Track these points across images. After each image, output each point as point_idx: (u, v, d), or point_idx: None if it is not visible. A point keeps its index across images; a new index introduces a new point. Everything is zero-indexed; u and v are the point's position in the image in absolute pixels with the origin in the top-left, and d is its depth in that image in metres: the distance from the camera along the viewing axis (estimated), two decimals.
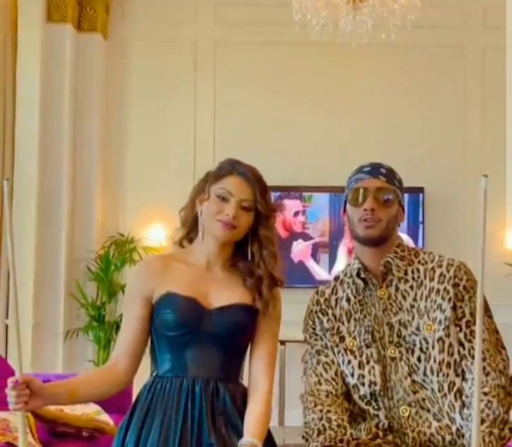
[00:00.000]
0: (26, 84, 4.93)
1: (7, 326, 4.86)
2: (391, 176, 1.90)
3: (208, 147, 5.33)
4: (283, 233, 5.25)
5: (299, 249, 5.26)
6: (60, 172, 5.07)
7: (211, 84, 5.48)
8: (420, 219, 5.31)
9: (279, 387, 4.80)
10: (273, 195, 5.15)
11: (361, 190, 1.85)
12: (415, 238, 5.29)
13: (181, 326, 1.77)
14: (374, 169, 1.89)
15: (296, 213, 5.31)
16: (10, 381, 1.62)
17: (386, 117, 5.47)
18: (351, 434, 1.75)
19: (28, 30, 4.94)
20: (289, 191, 5.29)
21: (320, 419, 1.76)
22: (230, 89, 5.45)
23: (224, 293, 1.81)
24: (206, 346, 1.78)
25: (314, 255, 5.28)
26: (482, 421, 1.69)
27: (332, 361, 1.84)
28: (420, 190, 5.29)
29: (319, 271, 5.24)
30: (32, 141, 4.93)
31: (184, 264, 1.85)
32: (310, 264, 5.27)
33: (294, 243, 5.25)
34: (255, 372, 1.82)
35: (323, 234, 5.30)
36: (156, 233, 5.17)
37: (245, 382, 1.86)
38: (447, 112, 5.49)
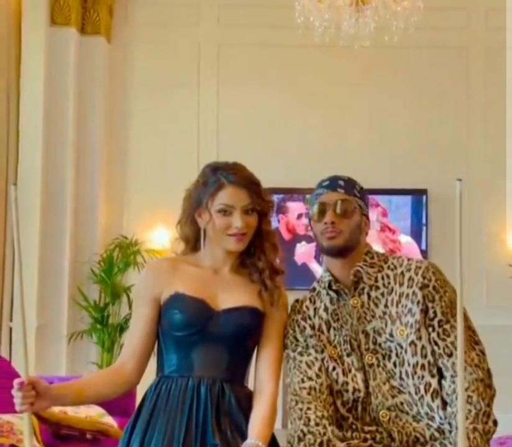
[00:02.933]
0: (30, 87, 4.95)
1: (11, 329, 4.87)
2: (349, 186, 1.90)
3: (211, 150, 5.34)
4: (287, 235, 5.25)
5: (303, 252, 5.26)
6: (64, 175, 5.08)
7: (214, 86, 5.49)
8: (424, 221, 5.30)
9: (283, 390, 4.79)
10: (276, 198, 5.20)
11: (321, 205, 1.87)
12: (418, 239, 5.29)
13: (188, 327, 1.77)
14: (332, 183, 1.90)
15: (299, 216, 5.30)
16: (16, 382, 1.63)
17: (389, 119, 5.47)
18: (332, 430, 1.76)
19: (32, 33, 4.96)
20: (292, 193, 5.29)
21: (300, 418, 1.76)
22: (233, 91, 5.46)
23: (232, 295, 1.82)
24: (213, 347, 1.78)
25: (318, 257, 5.28)
26: (465, 418, 1.68)
27: (315, 358, 1.85)
28: (424, 192, 5.29)
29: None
30: (36, 144, 4.94)
31: (193, 266, 1.86)
32: (314, 266, 5.26)
33: (298, 245, 5.25)
34: (260, 374, 1.82)
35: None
36: (160, 236, 5.18)
37: (250, 386, 1.86)
38: (450, 114, 5.49)
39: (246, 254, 1.87)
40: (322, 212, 1.86)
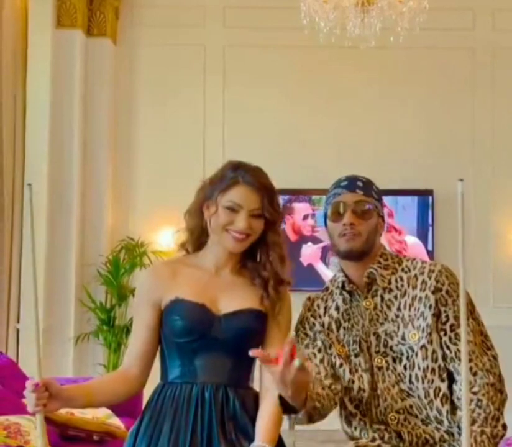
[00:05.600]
0: (36, 89, 4.97)
1: (18, 330, 4.88)
2: (368, 188, 1.88)
3: (217, 151, 5.34)
4: (292, 236, 5.25)
5: (309, 253, 5.26)
6: (71, 176, 5.09)
7: (220, 88, 5.49)
8: (430, 221, 5.30)
9: None
10: (282, 199, 5.20)
11: (340, 205, 1.84)
12: (424, 240, 5.28)
13: (189, 333, 1.76)
14: (351, 183, 1.87)
15: (305, 217, 5.31)
16: (30, 384, 1.61)
17: (395, 119, 5.47)
18: (330, 385, 1.77)
19: (39, 35, 4.98)
20: (298, 194, 5.29)
21: None
22: (239, 92, 5.46)
23: (233, 298, 1.80)
24: (215, 352, 1.77)
25: (324, 258, 5.27)
26: (473, 421, 1.69)
27: (319, 350, 1.84)
28: (430, 192, 5.29)
29: (329, 274, 5.23)
30: (42, 146, 4.96)
31: (193, 268, 1.85)
32: (320, 267, 5.26)
33: (304, 246, 5.25)
34: (266, 375, 1.81)
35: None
36: (166, 237, 5.18)
37: (256, 386, 1.86)
38: (456, 114, 5.49)
39: (249, 257, 1.86)
40: (340, 212, 1.83)
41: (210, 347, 1.76)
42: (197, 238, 1.87)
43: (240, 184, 1.78)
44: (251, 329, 1.78)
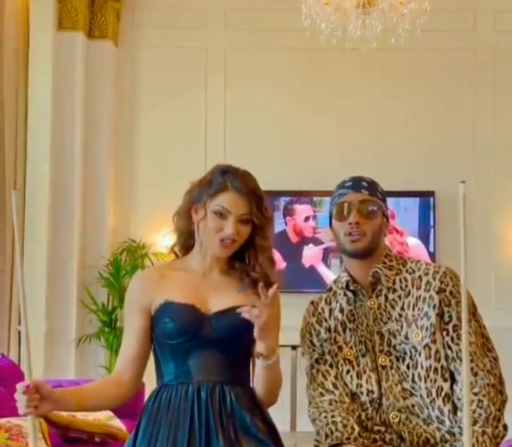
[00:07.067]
0: (38, 91, 4.98)
1: (19, 332, 4.88)
2: (373, 188, 1.90)
3: (219, 153, 5.35)
4: (294, 237, 5.25)
5: (310, 254, 5.25)
6: (72, 178, 5.10)
7: (221, 90, 5.50)
8: (431, 223, 5.29)
9: (290, 392, 4.79)
10: (283, 200, 5.20)
11: (345, 205, 1.87)
12: (426, 242, 5.27)
13: (181, 334, 1.77)
14: (356, 183, 1.90)
15: (307, 218, 5.30)
16: (21, 386, 1.62)
17: (396, 121, 5.47)
18: (359, 432, 1.77)
19: (40, 37, 4.99)
20: (299, 196, 5.29)
21: (327, 424, 1.79)
22: (240, 94, 5.47)
23: (222, 297, 1.81)
24: (208, 351, 1.78)
25: (325, 260, 5.27)
26: (475, 422, 1.70)
27: (331, 366, 1.86)
28: (431, 194, 5.29)
29: (330, 276, 5.23)
30: (44, 148, 4.97)
31: (181, 271, 1.86)
32: (321, 269, 5.26)
33: (305, 247, 5.25)
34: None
35: (334, 239, 5.28)
36: (167, 239, 5.17)
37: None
38: (457, 116, 5.49)
39: (237, 258, 1.86)
40: (345, 212, 1.86)
41: (203, 347, 1.77)
42: (186, 240, 1.89)
43: (229, 189, 1.80)
44: (243, 326, 1.77)
